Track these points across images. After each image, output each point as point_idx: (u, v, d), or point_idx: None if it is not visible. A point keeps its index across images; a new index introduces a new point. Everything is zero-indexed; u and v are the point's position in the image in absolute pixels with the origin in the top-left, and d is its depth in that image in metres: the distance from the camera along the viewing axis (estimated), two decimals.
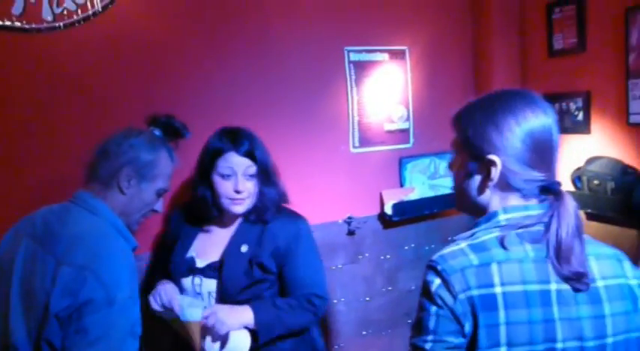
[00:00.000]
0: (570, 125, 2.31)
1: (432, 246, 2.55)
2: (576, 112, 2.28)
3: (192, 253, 1.70)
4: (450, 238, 1.10)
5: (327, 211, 2.29)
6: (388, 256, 2.44)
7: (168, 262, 1.70)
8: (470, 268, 0.94)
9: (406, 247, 2.49)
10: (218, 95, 2.05)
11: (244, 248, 1.64)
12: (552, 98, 2.39)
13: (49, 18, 1.73)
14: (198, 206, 1.69)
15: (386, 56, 2.36)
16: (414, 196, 2.42)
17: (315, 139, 2.25)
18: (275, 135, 2.12)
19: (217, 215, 1.69)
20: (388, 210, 2.34)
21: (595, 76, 2.22)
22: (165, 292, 1.58)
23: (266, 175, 1.67)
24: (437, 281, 0.95)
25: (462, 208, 1.14)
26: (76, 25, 1.77)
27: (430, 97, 2.50)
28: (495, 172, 1.02)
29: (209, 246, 1.69)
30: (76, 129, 1.81)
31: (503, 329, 0.92)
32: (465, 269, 0.94)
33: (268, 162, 1.68)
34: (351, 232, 2.33)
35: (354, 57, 2.29)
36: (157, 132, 1.48)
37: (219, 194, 1.63)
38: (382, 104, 2.38)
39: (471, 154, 1.05)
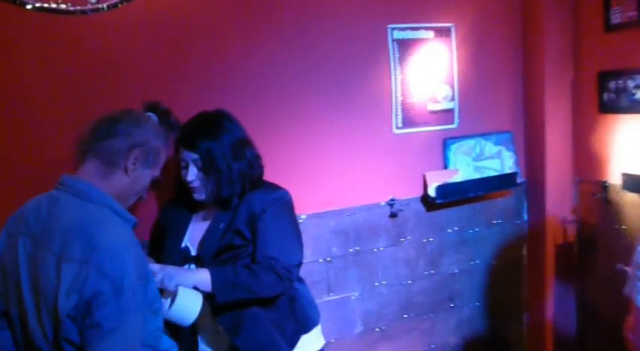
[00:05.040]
0: (627, 104, 2.19)
1: (476, 229, 2.49)
2: (634, 91, 2.16)
3: (186, 242, 1.69)
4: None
5: (369, 193, 2.26)
6: (431, 239, 2.40)
7: (160, 252, 1.69)
8: None
9: (449, 230, 2.44)
10: (254, 78, 2.02)
11: (222, 225, 1.63)
12: (608, 76, 2.26)
13: (93, 0, 1.74)
14: (183, 193, 1.68)
15: (431, 34, 2.29)
16: (458, 178, 2.36)
17: (357, 120, 2.21)
18: (315, 117, 2.13)
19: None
20: (431, 192, 2.29)
21: None
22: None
23: (215, 160, 1.59)
24: None
25: None
26: (119, 5, 1.78)
27: (476, 76, 2.41)
28: None
29: (201, 233, 1.67)
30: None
31: None
32: None
33: (218, 149, 1.59)
34: (393, 215, 2.30)
35: (397, 35, 2.22)
36: (155, 118, 1.45)
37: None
38: (426, 84, 2.31)
39: None
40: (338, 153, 2.18)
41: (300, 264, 1.66)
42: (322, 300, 2.17)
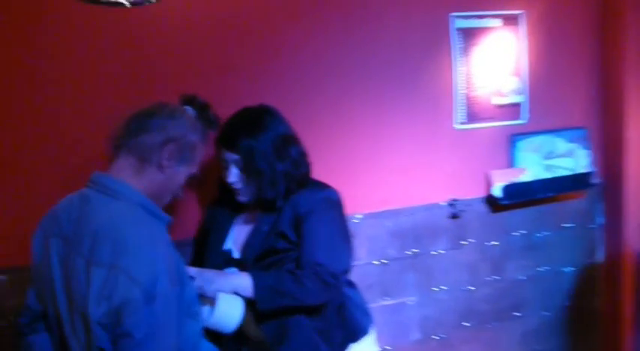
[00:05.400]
0: None
1: (545, 233, 2.32)
2: None
3: (229, 244, 1.61)
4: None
5: (429, 193, 2.14)
6: (495, 243, 2.25)
7: (203, 254, 1.63)
8: None
9: (515, 234, 2.28)
10: (308, 71, 1.95)
11: (265, 227, 1.55)
12: None
13: None
14: (227, 193, 1.61)
15: (498, 22, 2.14)
16: (526, 177, 2.21)
17: (416, 115, 2.10)
18: (371, 112, 2.05)
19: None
20: (496, 192, 2.15)
21: None
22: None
23: (257, 161, 1.50)
24: None
25: None
26: None
27: (548, 68, 2.24)
28: None
29: (245, 236, 1.60)
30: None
31: None
32: None
33: (259, 148, 1.50)
34: (454, 216, 2.17)
35: (460, 24, 2.09)
36: (192, 112, 1.39)
37: None
38: (491, 76, 2.16)
39: None
40: (396, 150, 2.08)
41: (348, 270, 1.56)
42: (377, 304, 2.08)
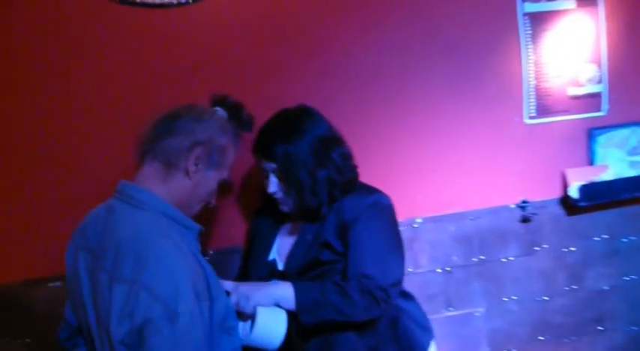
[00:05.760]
0: None
1: (631, 238, 2.09)
2: None
3: (274, 254, 1.51)
4: None
5: (496, 194, 1.99)
6: (572, 249, 2.05)
7: (246, 266, 1.55)
8: None
9: (596, 239, 2.07)
10: (366, 66, 1.85)
11: (309, 237, 1.44)
12: None
13: None
14: (271, 201, 1.51)
15: (572, 4, 1.94)
16: (607, 176, 2.00)
17: (481, 109, 1.95)
18: (431, 108, 1.93)
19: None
20: (573, 193, 1.96)
21: None
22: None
23: (295, 170, 1.40)
24: None
25: None
26: None
27: (630, 53, 2.02)
28: None
29: (289, 246, 1.49)
30: None
31: None
32: None
33: (297, 154, 1.39)
34: (525, 219, 2.00)
35: (529, 8, 1.91)
36: (223, 114, 1.30)
37: None
38: (566, 64, 1.97)
39: None
40: (459, 148, 1.95)
41: (399, 282, 1.43)
42: (440, 316, 1.95)
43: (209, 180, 1.22)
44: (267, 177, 1.45)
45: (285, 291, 1.34)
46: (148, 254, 1.01)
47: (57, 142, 1.72)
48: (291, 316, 1.33)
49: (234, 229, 1.81)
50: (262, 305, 1.31)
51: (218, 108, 1.30)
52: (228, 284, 1.34)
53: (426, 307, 1.65)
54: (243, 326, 1.30)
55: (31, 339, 1.76)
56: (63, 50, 1.69)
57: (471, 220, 1.97)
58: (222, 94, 1.35)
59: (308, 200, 1.41)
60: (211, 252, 1.82)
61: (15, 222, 1.74)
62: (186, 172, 1.16)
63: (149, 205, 1.11)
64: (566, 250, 2.05)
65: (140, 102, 1.71)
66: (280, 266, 1.49)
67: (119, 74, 1.71)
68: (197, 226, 1.18)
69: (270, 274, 1.48)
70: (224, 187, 1.35)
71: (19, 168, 1.72)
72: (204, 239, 1.81)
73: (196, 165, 1.17)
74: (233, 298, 1.30)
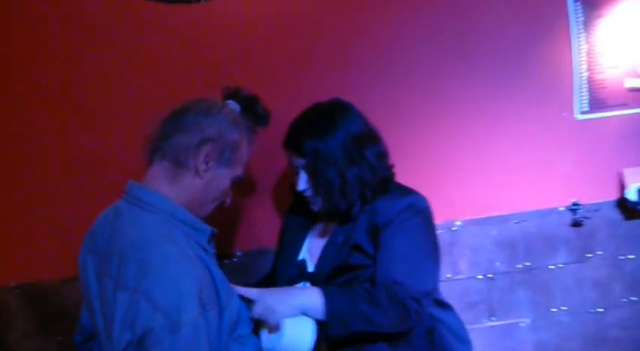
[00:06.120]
0: None
1: None
2: None
3: (304, 255, 1.43)
4: None
5: (544, 196, 1.87)
6: (631, 256, 1.90)
7: (275, 267, 1.50)
8: None
9: None
10: (392, 64, 1.80)
11: (340, 238, 1.37)
12: None
13: None
14: (302, 201, 1.45)
15: None
16: None
17: (527, 105, 1.85)
18: (472, 103, 1.84)
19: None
20: (631, 195, 1.82)
21: None
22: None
23: (324, 167, 1.33)
24: None
25: None
26: None
27: None
28: None
29: (320, 247, 1.42)
30: None
31: None
32: None
33: (327, 151, 1.32)
34: (576, 223, 1.87)
35: None
36: (236, 107, 1.24)
37: None
38: (623, 54, 1.83)
39: None
40: (503, 146, 1.85)
41: (433, 291, 1.34)
42: (482, 326, 1.85)
43: (221, 178, 1.17)
44: (297, 173, 1.40)
45: (313, 300, 1.26)
46: (151, 261, 0.97)
47: (100, 143, 1.74)
48: (319, 324, 1.27)
49: (263, 229, 1.78)
50: (289, 316, 1.26)
51: (230, 101, 1.25)
52: (253, 292, 1.28)
53: (465, 316, 1.56)
54: (268, 338, 1.26)
55: (62, 337, 1.79)
56: (82, 47, 1.71)
57: (516, 223, 1.86)
58: (233, 86, 1.30)
59: (336, 201, 1.35)
60: (239, 253, 1.80)
61: (52, 221, 1.78)
62: (197, 171, 1.12)
63: (157, 207, 1.08)
64: (623, 257, 1.90)
65: (162, 99, 1.70)
66: (310, 268, 1.44)
67: (141, 71, 1.72)
68: (209, 228, 1.14)
69: (298, 275, 1.43)
70: (250, 186, 1.31)
71: (58, 169, 1.77)
72: (230, 240, 1.81)
73: (206, 163, 1.13)
74: (258, 310, 1.25)
